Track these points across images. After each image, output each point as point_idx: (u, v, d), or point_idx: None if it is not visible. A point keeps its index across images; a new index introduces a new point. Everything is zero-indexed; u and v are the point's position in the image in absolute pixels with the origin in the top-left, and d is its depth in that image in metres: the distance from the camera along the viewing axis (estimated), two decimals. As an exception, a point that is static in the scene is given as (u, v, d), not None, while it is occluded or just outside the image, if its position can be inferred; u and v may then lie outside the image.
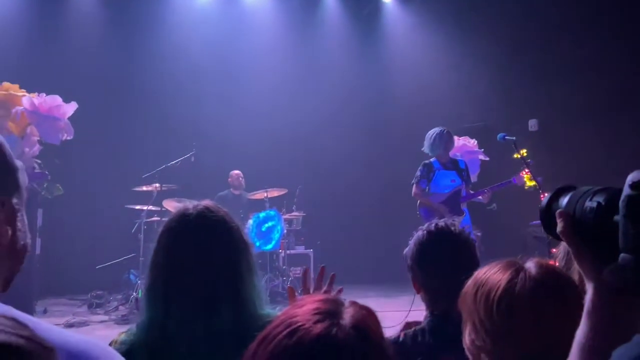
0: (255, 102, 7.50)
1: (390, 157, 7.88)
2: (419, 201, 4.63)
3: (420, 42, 8.03)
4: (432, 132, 4.65)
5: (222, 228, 1.29)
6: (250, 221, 5.82)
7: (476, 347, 1.00)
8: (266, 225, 5.89)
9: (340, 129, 7.84)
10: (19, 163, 0.79)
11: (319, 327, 0.66)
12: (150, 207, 5.76)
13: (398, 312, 4.85)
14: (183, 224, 1.28)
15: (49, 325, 0.70)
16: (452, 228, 1.55)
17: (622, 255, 0.62)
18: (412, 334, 1.47)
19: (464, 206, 4.55)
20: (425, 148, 4.68)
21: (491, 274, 1.01)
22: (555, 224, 0.71)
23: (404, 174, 7.52)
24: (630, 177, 0.61)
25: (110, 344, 1.21)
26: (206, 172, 6.60)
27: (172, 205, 5.88)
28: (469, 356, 1.03)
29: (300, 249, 6.70)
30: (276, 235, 5.88)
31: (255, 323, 1.15)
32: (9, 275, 0.77)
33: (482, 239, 4.44)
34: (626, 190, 0.62)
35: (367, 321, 0.71)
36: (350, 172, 7.82)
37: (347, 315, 0.70)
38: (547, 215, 0.74)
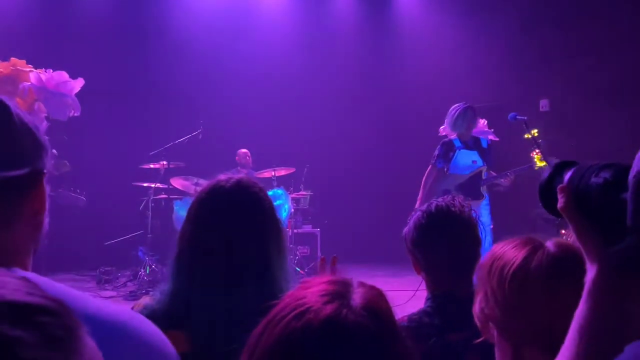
0: (264, 80, 7.44)
1: (399, 135, 7.81)
2: (432, 181, 4.34)
3: (430, 20, 7.89)
4: (455, 108, 4.32)
5: (255, 204, 1.25)
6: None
7: (485, 315, 1.01)
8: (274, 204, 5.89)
9: (349, 107, 7.78)
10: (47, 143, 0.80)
11: (328, 309, 0.65)
12: (158, 185, 5.78)
13: (407, 292, 4.89)
14: (215, 197, 1.25)
15: (81, 293, 0.71)
16: (452, 207, 1.51)
17: (630, 234, 0.59)
18: (417, 317, 1.46)
19: (484, 190, 4.30)
20: (447, 125, 4.37)
21: (509, 248, 1.01)
22: (556, 201, 0.68)
23: (413, 152, 7.51)
24: None
25: (132, 307, 1.21)
26: (214, 150, 6.59)
27: (179, 183, 5.89)
28: (477, 323, 1.05)
29: (308, 228, 6.72)
30: (283, 214, 5.88)
31: None
32: (35, 250, 0.78)
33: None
34: (637, 166, 0.58)
35: (378, 302, 0.69)
36: (358, 150, 7.78)
37: (357, 296, 0.68)
38: (548, 190, 0.71)
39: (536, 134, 3.94)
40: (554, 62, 6.60)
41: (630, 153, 0.61)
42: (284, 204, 5.94)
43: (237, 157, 6.65)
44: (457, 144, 4.30)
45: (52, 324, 0.37)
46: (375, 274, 6.40)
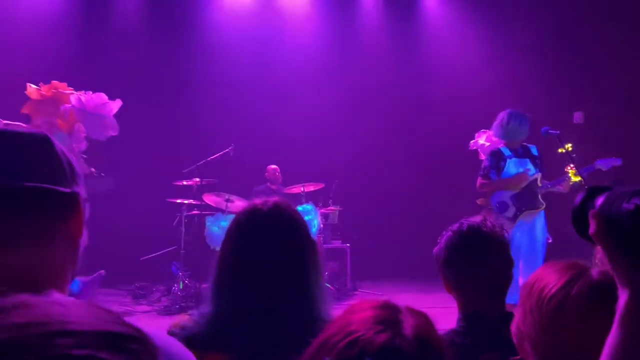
0: (293, 96, 7.54)
1: (429, 150, 7.77)
2: (487, 193, 4.15)
3: (459, 33, 7.85)
4: (505, 114, 4.11)
5: (291, 226, 1.28)
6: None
7: (521, 333, 1.04)
8: (303, 219, 5.93)
9: (378, 122, 7.79)
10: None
11: (381, 338, 0.66)
12: (191, 201, 5.90)
13: (438, 309, 4.83)
14: (252, 220, 1.28)
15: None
16: (484, 227, 1.51)
17: None
18: (448, 338, 1.45)
19: (541, 198, 4.10)
20: (497, 133, 4.15)
21: (553, 270, 1.04)
22: (589, 226, 0.69)
23: (444, 166, 7.46)
24: None
25: (170, 328, 1.25)
26: (244, 166, 6.70)
27: (211, 199, 6.00)
28: (514, 340, 1.08)
29: (337, 244, 6.71)
30: (312, 230, 5.91)
31: (319, 326, 1.16)
32: (73, 271, 0.82)
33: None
34: None
35: (428, 330, 0.71)
36: (387, 165, 7.76)
37: (408, 325, 0.69)
38: (580, 215, 0.72)
39: (570, 148, 3.86)
40: (588, 73, 6.48)
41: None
42: (313, 219, 5.96)
43: (266, 173, 6.74)
44: (507, 152, 4.11)
45: (141, 350, 0.42)
46: (405, 290, 6.33)
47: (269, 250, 1.24)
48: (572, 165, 3.93)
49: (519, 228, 4.06)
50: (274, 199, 1.34)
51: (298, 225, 1.29)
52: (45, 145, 0.78)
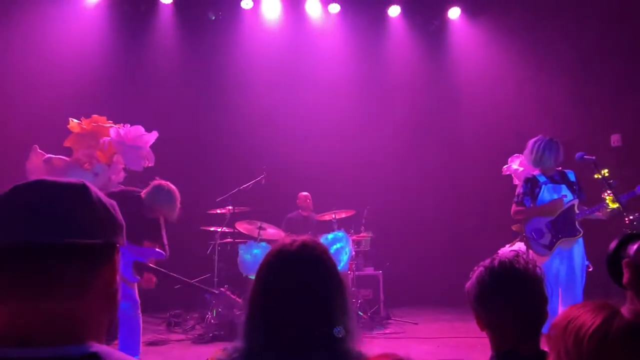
0: (323, 124, 7.62)
1: (462, 176, 7.68)
2: (522, 220, 4.07)
3: (490, 56, 7.81)
4: (536, 141, 4.07)
5: (319, 265, 1.30)
6: (319, 242, 5.87)
7: None
8: (335, 246, 5.91)
9: (409, 148, 7.77)
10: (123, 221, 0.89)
11: None
12: (224, 229, 5.99)
13: (472, 339, 4.70)
14: (281, 259, 1.31)
15: None
16: (516, 264, 1.48)
17: None
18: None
19: (579, 225, 3.99)
20: (529, 161, 4.11)
21: (585, 311, 1.04)
22: (622, 272, 0.68)
23: (477, 194, 7.34)
24: None
25: None
26: (276, 194, 6.76)
27: (244, 227, 6.08)
28: None
29: (370, 270, 6.66)
30: (344, 257, 5.88)
31: None
32: (111, 317, 0.85)
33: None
34: None
35: None
36: (419, 191, 7.69)
37: None
38: (614, 262, 0.72)
39: (607, 174, 3.76)
40: (625, 94, 6.32)
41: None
42: (345, 246, 5.94)
43: (298, 201, 6.79)
44: (542, 179, 4.05)
45: None
46: (439, 318, 6.21)
47: (295, 291, 1.26)
48: (609, 192, 3.81)
49: (557, 256, 3.96)
50: (303, 237, 1.36)
51: (325, 265, 1.31)
52: (82, 194, 0.82)
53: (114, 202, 0.87)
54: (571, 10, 6.81)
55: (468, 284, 1.56)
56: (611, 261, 0.72)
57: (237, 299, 5.48)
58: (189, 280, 4.73)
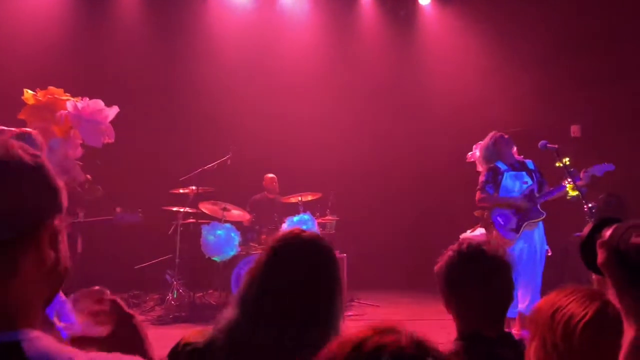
0: (290, 105, 7.53)
1: (426, 161, 7.77)
2: (487, 207, 4.21)
3: (458, 44, 7.89)
4: (484, 142, 4.30)
5: (328, 258, 1.34)
6: (284, 225, 5.84)
7: None
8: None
9: (375, 132, 7.79)
10: (60, 183, 0.79)
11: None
12: (187, 209, 5.86)
13: (431, 321, 4.79)
14: (290, 245, 1.32)
15: (91, 355, 0.73)
16: (486, 249, 1.49)
17: None
18: (447, 358, 1.43)
19: (540, 208, 4.13)
20: (481, 165, 4.31)
21: (573, 299, 1.03)
22: (596, 256, 0.67)
23: (441, 179, 7.45)
24: None
25: (179, 342, 1.25)
26: (242, 175, 6.67)
27: (207, 208, 5.97)
28: None
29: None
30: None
31: None
32: (49, 296, 0.77)
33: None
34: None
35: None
36: (385, 175, 7.75)
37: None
38: (588, 246, 0.71)
39: (568, 162, 3.86)
40: (585, 87, 6.49)
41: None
42: (310, 228, 5.93)
43: (264, 182, 6.72)
44: (503, 167, 4.19)
45: None
46: (400, 301, 6.32)
47: (301, 276, 1.28)
48: (569, 180, 3.92)
49: (522, 237, 4.09)
50: (311, 231, 1.40)
51: (333, 259, 1.35)
52: (5, 171, 0.71)
53: (45, 162, 0.76)
54: (536, 3, 6.93)
55: (437, 267, 1.56)
56: (585, 246, 0.71)
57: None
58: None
